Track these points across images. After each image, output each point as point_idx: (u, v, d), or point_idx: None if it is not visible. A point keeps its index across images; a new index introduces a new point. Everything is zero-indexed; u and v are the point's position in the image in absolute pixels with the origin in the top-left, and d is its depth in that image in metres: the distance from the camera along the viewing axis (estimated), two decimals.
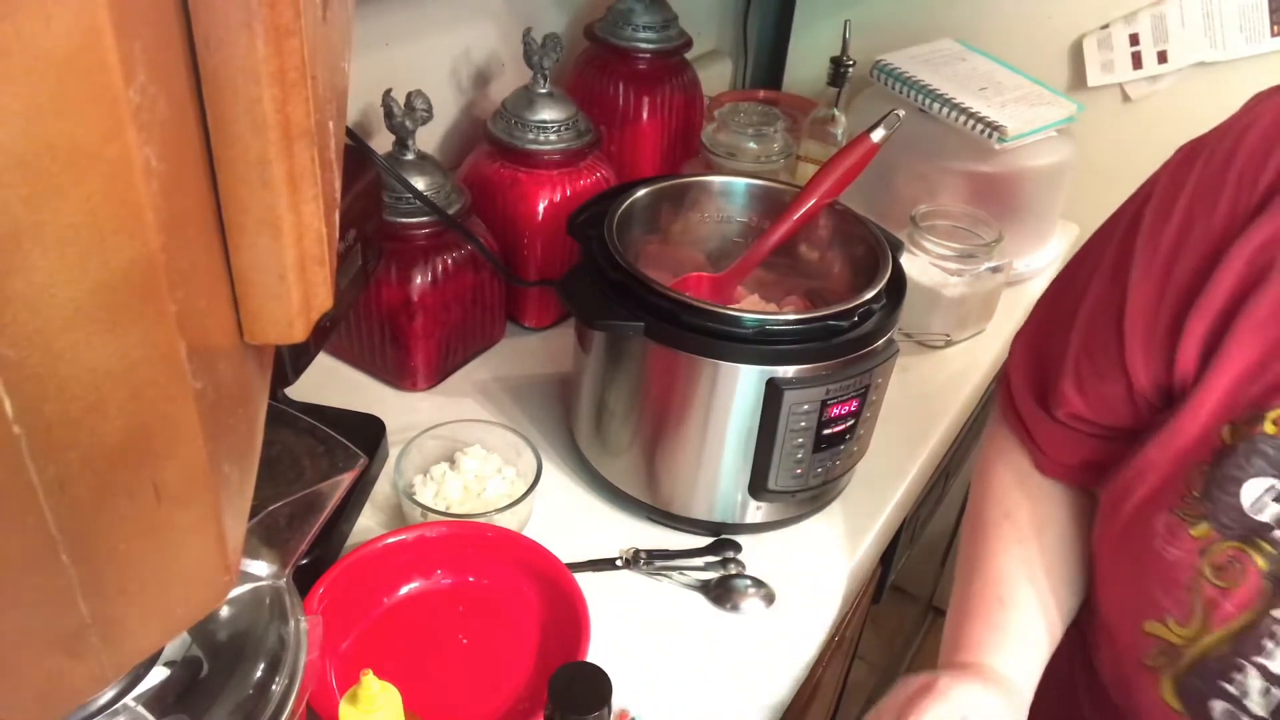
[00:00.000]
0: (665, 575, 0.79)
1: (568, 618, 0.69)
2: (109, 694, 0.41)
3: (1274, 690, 0.58)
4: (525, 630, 0.72)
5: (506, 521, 0.76)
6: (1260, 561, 0.57)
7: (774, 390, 0.72)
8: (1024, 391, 0.73)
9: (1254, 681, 0.58)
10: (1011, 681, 0.64)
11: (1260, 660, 0.58)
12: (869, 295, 0.75)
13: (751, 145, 1.12)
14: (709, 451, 0.77)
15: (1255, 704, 0.59)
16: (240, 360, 0.31)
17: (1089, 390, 0.68)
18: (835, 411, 0.75)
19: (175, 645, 0.44)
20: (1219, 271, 0.58)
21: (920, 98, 1.15)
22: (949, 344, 1.09)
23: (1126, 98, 1.29)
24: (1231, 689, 0.59)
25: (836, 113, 1.20)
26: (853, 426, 0.78)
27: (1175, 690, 0.62)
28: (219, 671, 0.44)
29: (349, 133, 0.74)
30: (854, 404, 0.76)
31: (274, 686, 0.45)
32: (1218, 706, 0.60)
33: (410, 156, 0.87)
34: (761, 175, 0.97)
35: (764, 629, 0.76)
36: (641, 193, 0.85)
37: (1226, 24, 1.20)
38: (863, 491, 0.89)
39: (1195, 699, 0.61)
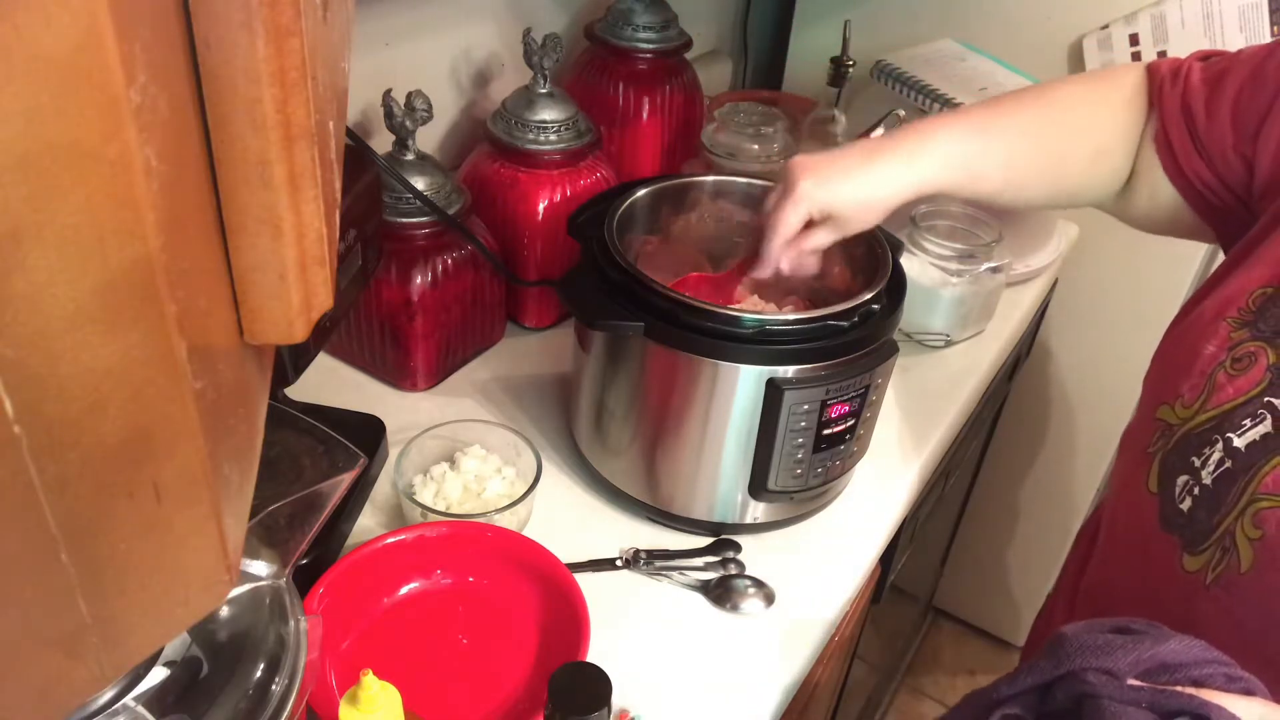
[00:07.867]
0: (665, 575, 0.79)
1: (568, 618, 0.69)
2: (109, 694, 0.41)
3: (1227, 462, 0.62)
4: (525, 630, 0.72)
5: (506, 521, 0.76)
6: (1272, 356, 0.63)
7: (774, 390, 0.72)
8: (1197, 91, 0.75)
9: (1216, 454, 0.63)
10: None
11: (1231, 435, 0.63)
12: (869, 295, 0.75)
13: (751, 145, 1.12)
14: (709, 451, 0.77)
15: (1208, 474, 0.63)
16: (240, 360, 0.31)
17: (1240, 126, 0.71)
18: (835, 411, 0.75)
19: (175, 645, 0.44)
20: None
21: (920, 98, 1.15)
22: (949, 344, 1.09)
23: None
24: (1196, 462, 0.64)
25: (836, 113, 1.20)
26: (853, 426, 0.78)
27: (1159, 472, 0.67)
28: (219, 671, 0.44)
29: (349, 133, 0.74)
30: (854, 404, 0.76)
31: (274, 686, 0.45)
32: (1180, 481, 0.65)
33: (410, 156, 0.87)
34: (761, 175, 0.97)
35: (764, 629, 0.76)
36: (641, 193, 0.85)
37: (1226, 24, 1.20)
38: (863, 491, 0.89)
39: (1168, 476, 0.66)
